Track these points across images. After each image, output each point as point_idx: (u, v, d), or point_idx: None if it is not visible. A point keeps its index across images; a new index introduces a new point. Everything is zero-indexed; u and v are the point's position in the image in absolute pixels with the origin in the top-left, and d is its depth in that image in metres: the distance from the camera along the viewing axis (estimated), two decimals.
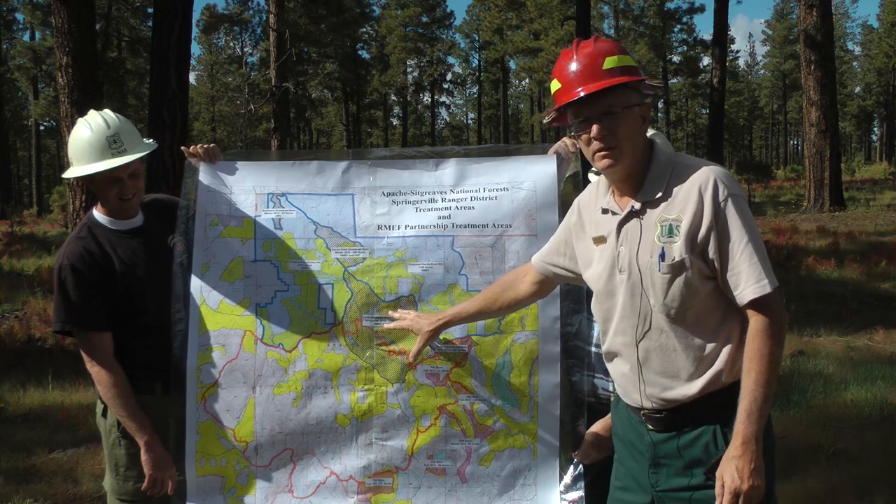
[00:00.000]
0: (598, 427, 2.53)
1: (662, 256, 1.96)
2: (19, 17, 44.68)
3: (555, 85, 2.06)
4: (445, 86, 58.85)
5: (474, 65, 60.68)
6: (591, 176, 2.64)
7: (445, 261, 2.59)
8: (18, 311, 9.42)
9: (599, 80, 1.96)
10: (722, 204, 1.92)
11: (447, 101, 65.70)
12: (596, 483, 2.57)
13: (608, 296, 2.11)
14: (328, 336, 2.57)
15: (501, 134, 57.03)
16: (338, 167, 2.69)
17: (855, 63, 72.35)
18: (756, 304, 1.89)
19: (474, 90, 64.00)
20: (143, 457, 2.53)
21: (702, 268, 1.95)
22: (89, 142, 2.56)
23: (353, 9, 33.25)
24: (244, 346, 2.57)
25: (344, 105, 52.81)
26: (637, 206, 2.03)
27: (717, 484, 1.90)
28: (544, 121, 2.18)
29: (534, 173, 2.64)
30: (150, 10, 18.12)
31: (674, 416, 2.04)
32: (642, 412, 2.10)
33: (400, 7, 52.86)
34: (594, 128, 1.99)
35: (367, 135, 56.97)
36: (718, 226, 1.92)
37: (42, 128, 49.16)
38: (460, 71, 61.51)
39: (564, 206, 2.63)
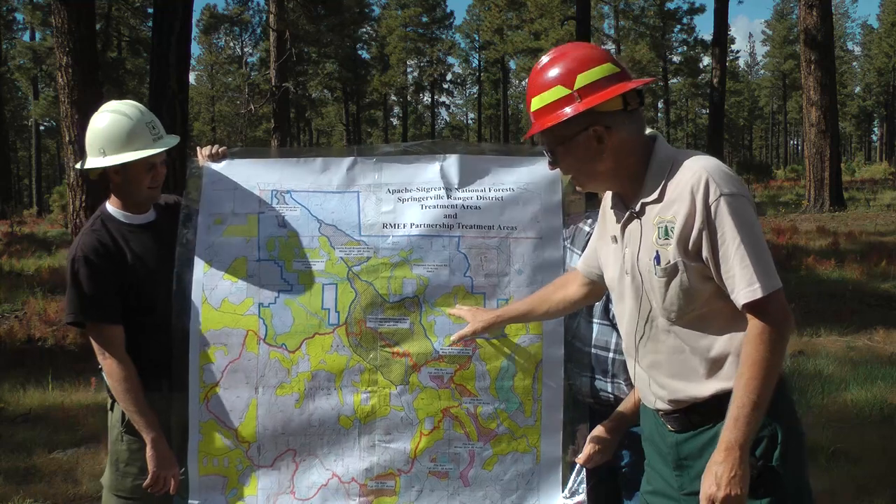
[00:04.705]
0: (600, 430, 2.50)
1: (658, 259, 1.91)
2: (19, 17, 44.69)
3: None
4: (445, 86, 58.74)
5: (474, 65, 60.56)
6: None
7: (451, 262, 2.57)
8: (18, 311, 9.41)
9: (532, 123, 2.01)
10: (713, 205, 1.83)
11: (447, 102, 65.66)
12: (599, 487, 2.56)
13: (619, 298, 2.09)
14: (332, 337, 2.56)
15: (501, 134, 56.89)
16: (343, 164, 2.67)
17: (855, 63, 72.30)
18: (750, 308, 1.83)
19: (474, 90, 63.89)
20: (149, 453, 2.51)
21: (701, 269, 1.88)
22: (132, 128, 2.58)
23: (353, 9, 33.17)
24: (247, 346, 2.56)
25: (344, 105, 52.79)
26: (636, 207, 1.98)
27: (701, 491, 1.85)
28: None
29: (539, 176, 2.61)
30: (150, 10, 18.09)
31: (689, 416, 2.00)
32: (659, 413, 2.07)
33: (400, 7, 52.80)
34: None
35: (367, 135, 56.92)
36: (710, 228, 1.84)
37: (42, 128, 49.13)
38: (460, 71, 61.42)
39: (567, 210, 2.62)
